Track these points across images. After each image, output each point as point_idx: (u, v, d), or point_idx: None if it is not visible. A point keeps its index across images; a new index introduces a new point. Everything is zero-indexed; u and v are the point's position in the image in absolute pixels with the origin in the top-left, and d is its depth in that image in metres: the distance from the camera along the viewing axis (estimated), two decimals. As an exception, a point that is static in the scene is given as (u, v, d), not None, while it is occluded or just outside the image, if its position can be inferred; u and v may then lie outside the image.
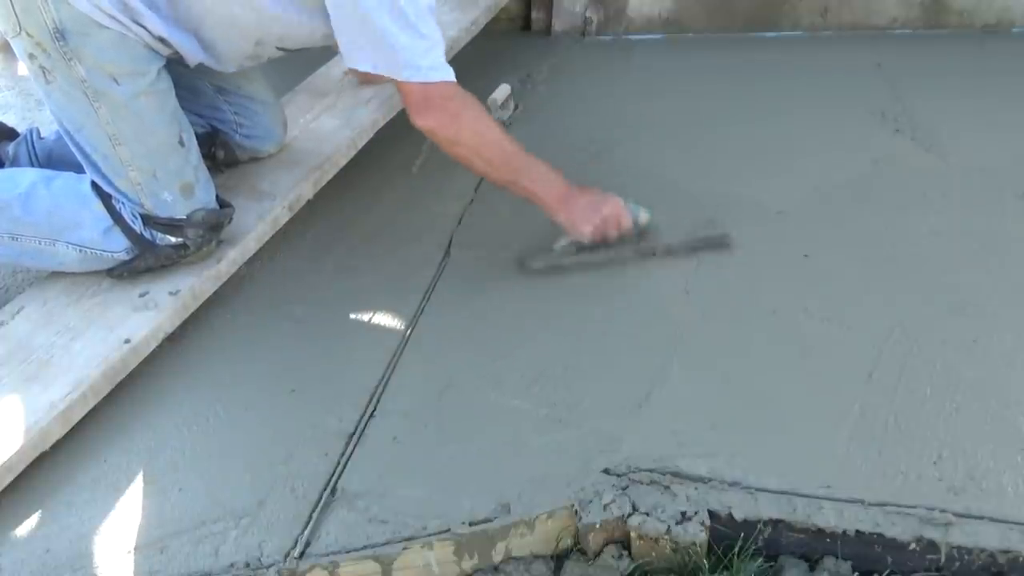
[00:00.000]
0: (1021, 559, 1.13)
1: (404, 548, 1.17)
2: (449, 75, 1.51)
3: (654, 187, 1.97)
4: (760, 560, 1.19)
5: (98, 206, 1.51)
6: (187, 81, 1.70)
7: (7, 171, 1.61)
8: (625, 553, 1.21)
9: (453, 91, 1.52)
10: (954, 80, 2.44)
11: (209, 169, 1.63)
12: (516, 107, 2.27)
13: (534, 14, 2.95)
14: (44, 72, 1.40)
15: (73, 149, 1.50)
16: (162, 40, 1.47)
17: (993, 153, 2.04)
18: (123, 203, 1.52)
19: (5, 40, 3.00)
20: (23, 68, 2.83)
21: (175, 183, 1.52)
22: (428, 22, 1.47)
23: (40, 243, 1.52)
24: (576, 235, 1.62)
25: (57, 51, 1.38)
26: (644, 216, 1.70)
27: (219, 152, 1.82)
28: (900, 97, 2.33)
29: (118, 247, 1.52)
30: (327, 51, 2.19)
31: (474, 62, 2.58)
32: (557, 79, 2.57)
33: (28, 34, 1.37)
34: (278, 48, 1.60)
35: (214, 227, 1.57)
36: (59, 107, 1.46)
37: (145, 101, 1.46)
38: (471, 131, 1.55)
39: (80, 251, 1.52)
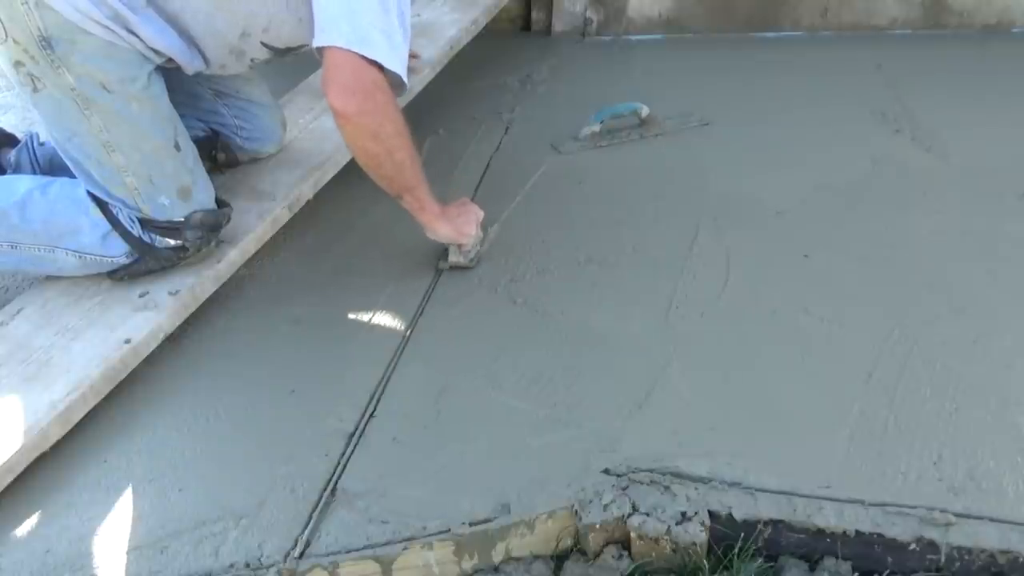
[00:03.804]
0: (1021, 559, 1.13)
1: (404, 548, 1.17)
2: (401, 71, 1.43)
3: (654, 186, 1.98)
4: (760, 560, 1.19)
5: (95, 211, 1.50)
6: (187, 86, 1.70)
7: (2, 179, 1.59)
8: (625, 553, 1.21)
9: (386, 85, 1.42)
10: (954, 80, 2.44)
11: (210, 171, 1.63)
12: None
13: (534, 14, 2.95)
14: (32, 80, 1.37)
15: (65, 159, 1.48)
16: (155, 50, 1.44)
17: (993, 153, 2.04)
18: (120, 208, 1.50)
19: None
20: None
21: (172, 187, 1.50)
22: (406, 25, 1.44)
23: (39, 250, 1.51)
24: (460, 239, 1.69)
25: (45, 59, 1.35)
26: (645, 110, 2.19)
27: (220, 155, 1.83)
28: (900, 97, 2.33)
29: (117, 252, 1.51)
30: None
31: (474, 62, 2.58)
32: (557, 79, 2.58)
33: (15, 41, 1.34)
34: (264, 45, 1.55)
35: (212, 228, 1.56)
36: (49, 116, 1.43)
37: (138, 107, 1.43)
38: (395, 129, 1.44)
39: (79, 257, 1.51)
